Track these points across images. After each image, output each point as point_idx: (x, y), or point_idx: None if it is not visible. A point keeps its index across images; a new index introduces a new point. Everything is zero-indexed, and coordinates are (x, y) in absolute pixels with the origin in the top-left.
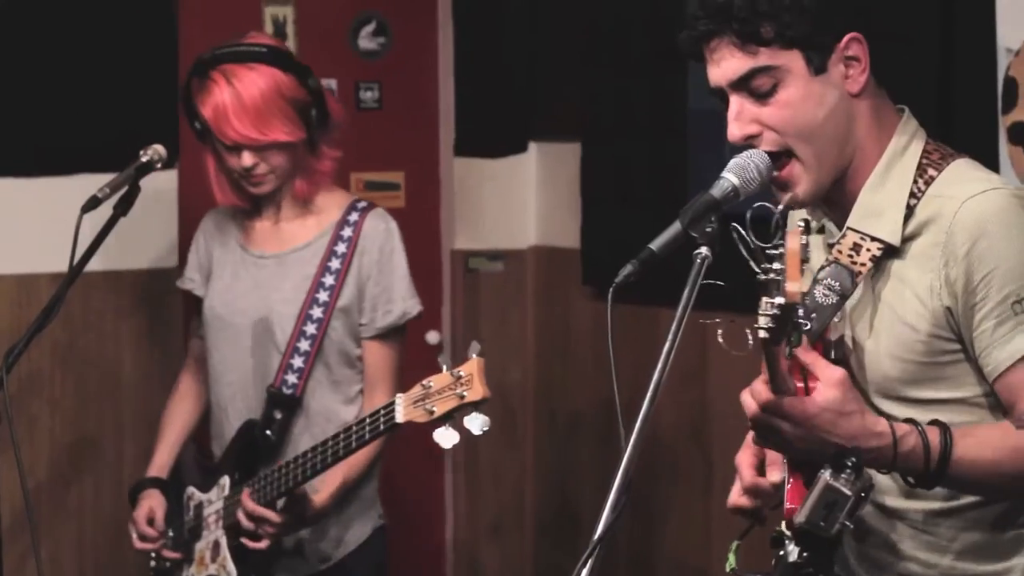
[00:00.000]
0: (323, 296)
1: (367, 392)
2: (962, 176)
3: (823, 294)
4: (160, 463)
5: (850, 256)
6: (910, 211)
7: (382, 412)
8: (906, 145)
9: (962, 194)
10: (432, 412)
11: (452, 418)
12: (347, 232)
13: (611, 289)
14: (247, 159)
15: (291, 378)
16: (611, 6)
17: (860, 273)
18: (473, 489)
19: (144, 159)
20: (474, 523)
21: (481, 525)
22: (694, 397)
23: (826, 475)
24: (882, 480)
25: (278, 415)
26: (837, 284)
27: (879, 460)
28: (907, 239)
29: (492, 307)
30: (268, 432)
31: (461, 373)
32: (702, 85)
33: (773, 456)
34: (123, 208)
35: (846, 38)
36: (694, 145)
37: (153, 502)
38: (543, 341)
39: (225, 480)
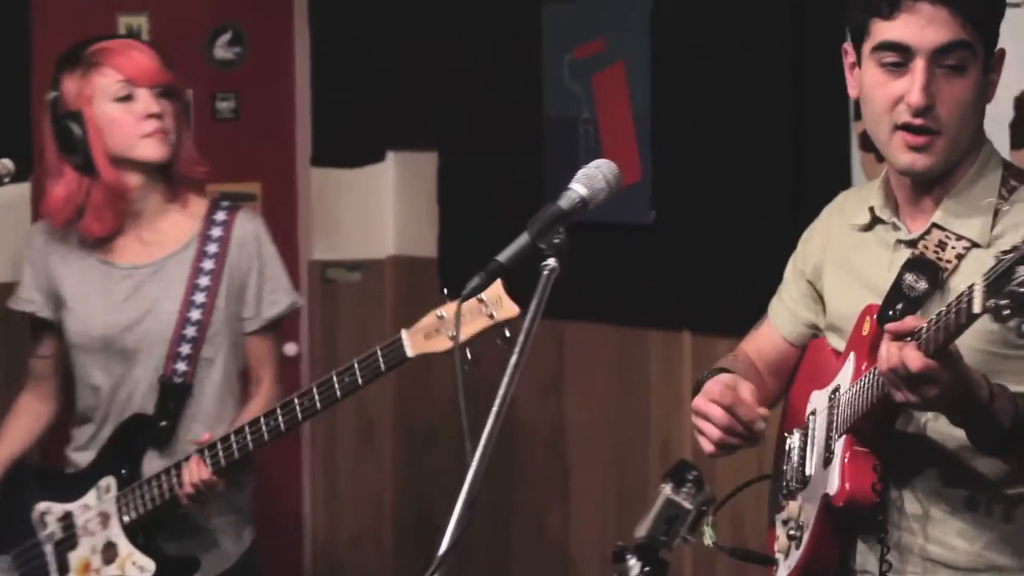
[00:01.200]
0: (204, 281)
1: (254, 384)
2: None
3: (909, 287)
4: None
5: (936, 252)
6: (996, 215)
7: (380, 352)
8: (989, 158)
9: None
10: (454, 338)
11: (477, 342)
12: (220, 216)
13: (458, 302)
14: (154, 105)
15: (181, 366)
16: (467, 16)
17: (946, 269)
18: (332, 502)
19: None
20: (333, 536)
21: (340, 538)
22: (551, 407)
23: (667, 490)
24: (920, 459)
25: (171, 404)
26: (924, 278)
27: (974, 412)
28: (993, 240)
29: (350, 318)
30: (163, 423)
31: (483, 296)
32: (558, 93)
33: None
34: None
35: (1002, 52)
36: (550, 154)
37: None
38: None
39: (107, 481)
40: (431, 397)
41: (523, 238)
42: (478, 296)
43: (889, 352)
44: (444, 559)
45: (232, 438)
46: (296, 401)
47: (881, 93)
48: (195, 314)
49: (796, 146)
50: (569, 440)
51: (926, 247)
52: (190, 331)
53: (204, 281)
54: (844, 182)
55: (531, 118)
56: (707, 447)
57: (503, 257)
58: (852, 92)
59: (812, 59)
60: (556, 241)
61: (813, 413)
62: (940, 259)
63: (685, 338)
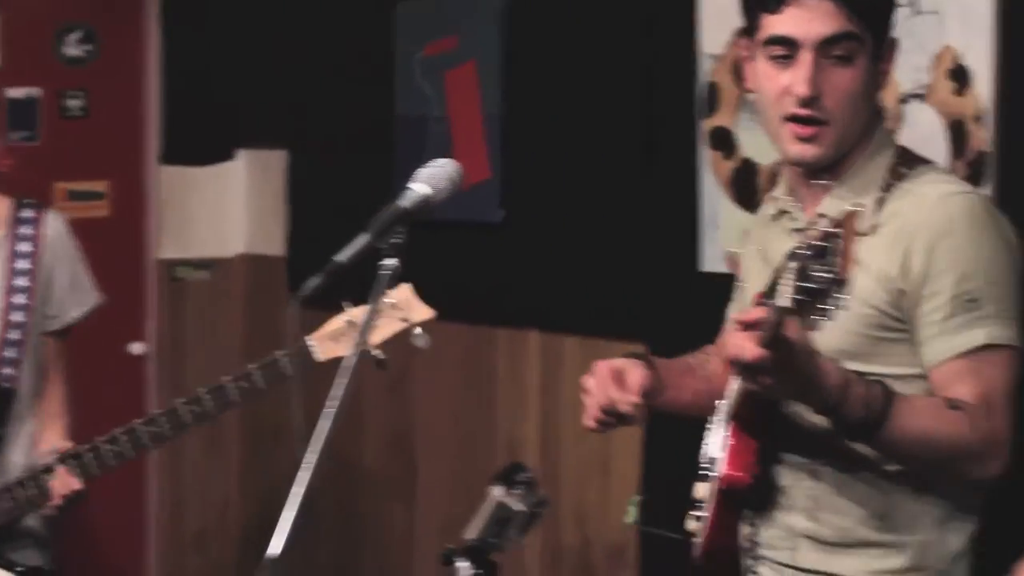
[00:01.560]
0: (22, 282)
1: (50, 384)
2: (934, 177)
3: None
4: None
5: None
6: (880, 203)
7: (284, 357)
8: (882, 145)
9: (934, 192)
10: (370, 342)
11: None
12: (28, 214)
13: (294, 302)
14: None
15: (7, 370)
16: (319, 14)
17: None
18: (177, 499)
19: None
20: (178, 533)
21: (186, 535)
22: (398, 405)
23: (497, 492)
24: (799, 440)
25: (3, 410)
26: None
27: (826, 401)
28: (875, 227)
29: (199, 316)
30: None
31: (394, 301)
32: (409, 91)
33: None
34: None
35: (893, 41)
36: (400, 152)
37: None
38: (251, 349)
39: None
40: (278, 395)
41: (363, 238)
42: (389, 300)
43: (732, 342)
44: (274, 564)
45: (103, 447)
46: (183, 407)
47: (770, 85)
48: (17, 316)
49: (645, 145)
50: (416, 438)
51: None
52: (14, 334)
53: (22, 282)
54: (691, 180)
55: (382, 116)
56: (586, 422)
57: (343, 257)
58: (748, 85)
59: (662, 59)
60: (396, 241)
61: (725, 398)
62: None
63: (532, 336)
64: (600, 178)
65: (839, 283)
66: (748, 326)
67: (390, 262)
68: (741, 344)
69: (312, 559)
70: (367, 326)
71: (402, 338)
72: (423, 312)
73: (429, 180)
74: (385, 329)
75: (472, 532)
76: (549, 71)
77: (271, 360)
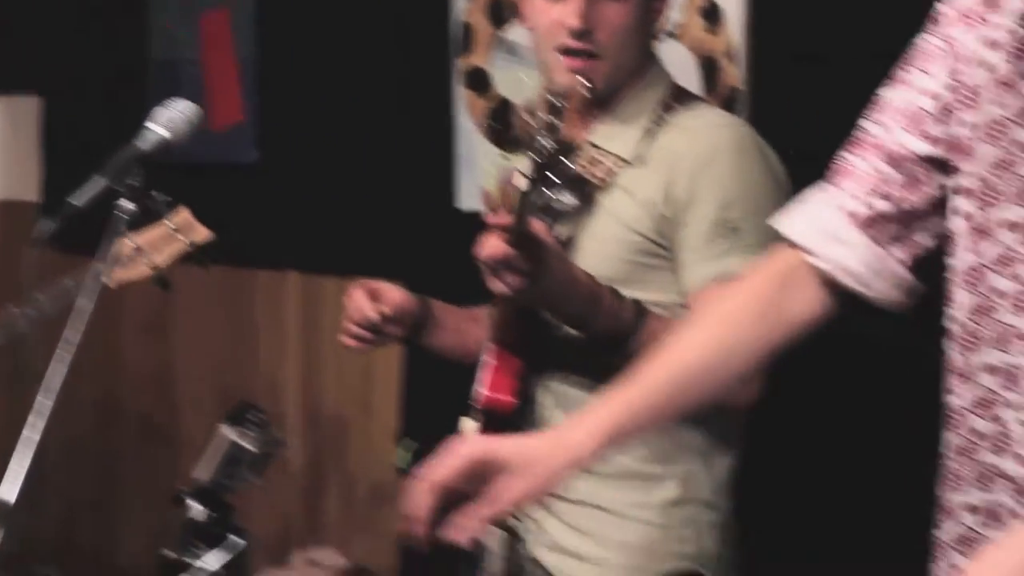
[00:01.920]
0: None
1: None
2: (705, 112)
3: (558, 202)
4: None
5: (587, 168)
6: (649, 134)
7: (74, 285)
8: (655, 80)
9: (702, 124)
10: (156, 265)
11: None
12: None
13: (31, 246)
14: None
15: None
16: None
17: (596, 185)
18: None
19: None
20: None
21: None
22: (158, 349)
23: (229, 432)
24: (560, 361)
25: None
26: (575, 193)
27: (576, 310)
28: (642, 157)
29: None
30: None
31: (173, 225)
32: (163, 35)
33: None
34: None
35: None
36: (154, 96)
37: None
38: (6, 294)
39: None
40: (38, 340)
41: (100, 180)
42: (169, 224)
43: (480, 242)
44: (5, 510)
45: None
46: None
47: (544, 19)
48: None
49: (400, 85)
50: (177, 380)
51: (581, 164)
52: None
53: None
54: (446, 119)
55: (135, 60)
56: (342, 339)
57: (79, 200)
58: (523, 21)
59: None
60: (133, 183)
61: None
62: (593, 175)
63: (291, 277)
64: (355, 119)
65: (566, 149)
66: (496, 227)
67: (127, 204)
68: (488, 242)
69: (72, 501)
70: (109, 265)
71: (186, 261)
72: (202, 233)
73: (167, 122)
74: (169, 251)
75: (204, 473)
76: (303, 14)
77: (61, 287)
